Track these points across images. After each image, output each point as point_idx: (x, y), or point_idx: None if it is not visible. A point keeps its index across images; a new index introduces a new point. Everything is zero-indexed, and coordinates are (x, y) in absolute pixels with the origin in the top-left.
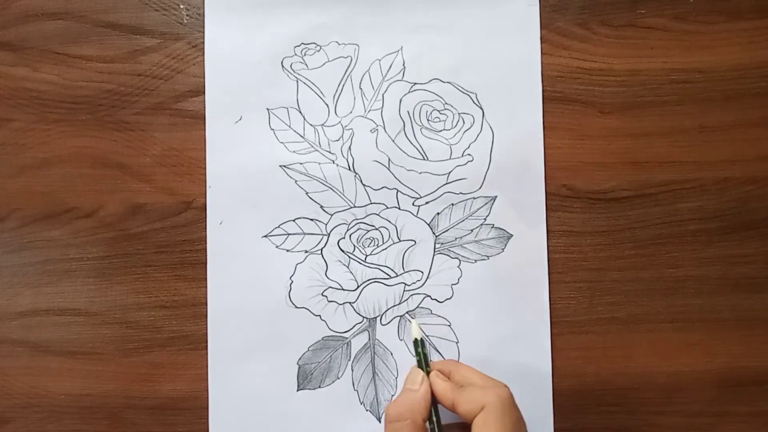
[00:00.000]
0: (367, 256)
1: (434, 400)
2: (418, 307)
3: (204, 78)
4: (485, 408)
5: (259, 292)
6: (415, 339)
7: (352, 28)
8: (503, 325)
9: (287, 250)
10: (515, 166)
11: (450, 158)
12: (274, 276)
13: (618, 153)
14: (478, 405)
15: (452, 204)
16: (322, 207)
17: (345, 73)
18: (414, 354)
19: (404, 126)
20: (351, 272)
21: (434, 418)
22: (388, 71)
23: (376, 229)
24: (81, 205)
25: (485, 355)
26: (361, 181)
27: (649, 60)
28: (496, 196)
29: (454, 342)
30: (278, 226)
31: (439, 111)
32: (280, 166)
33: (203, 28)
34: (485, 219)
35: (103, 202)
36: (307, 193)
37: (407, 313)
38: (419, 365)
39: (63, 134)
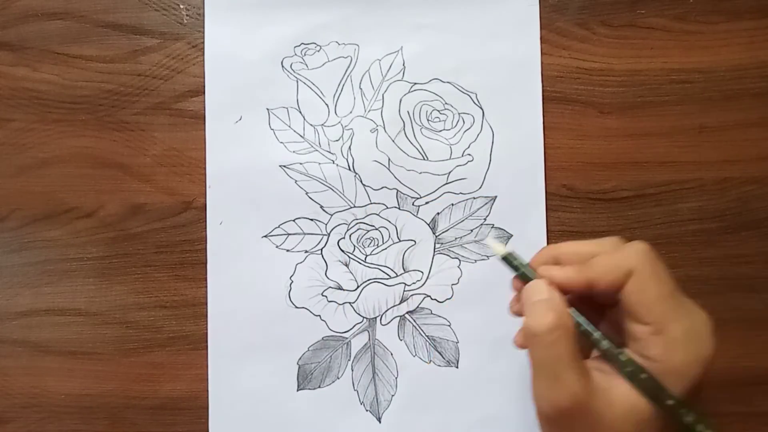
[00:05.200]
0: (367, 256)
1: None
2: (418, 307)
3: (204, 78)
4: (634, 272)
5: (259, 292)
6: (503, 256)
7: (352, 28)
8: (503, 325)
9: (287, 250)
10: (515, 166)
11: (450, 158)
12: (274, 276)
13: (618, 153)
14: (623, 271)
15: (452, 204)
16: (322, 207)
17: (345, 73)
18: (516, 271)
19: (404, 126)
20: (351, 272)
21: (581, 319)
22: (388, 71)
23: (376, 229)
24: (81, 205)
25: (485, 355)
26: (361, 181)
27: (649, 60)
28: (496, 196)
29: (454, 342)
30: (278, 226)
31: (439, 111)
32: (280, 166)
33: (203, 28)
34: (485, 219)
35: (103, 202)
36: (307, 193)
37: (483, 236)
38: (525, 279)
39: (63, 134)
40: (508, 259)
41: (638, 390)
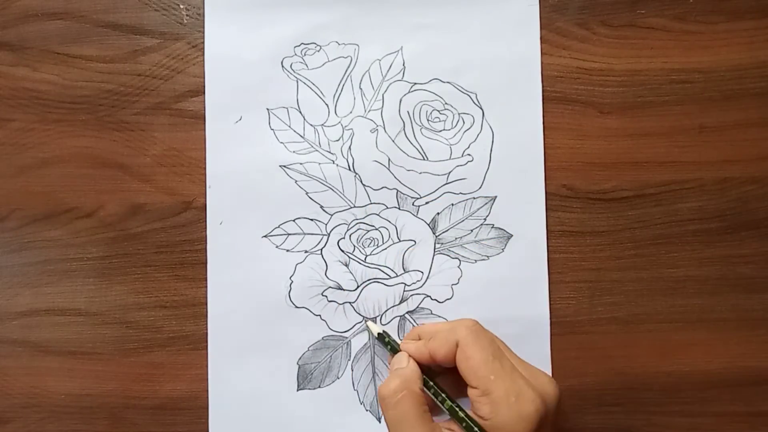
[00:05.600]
0: (367, 256)
1: (429, 372)
2: (418, 307)
3: (204, 78)
4: (459, 342)
5: (259, 292)
6: (378, 334)
7: (352, 28)
8: (503, 325)
9: (287, 250)
10: (515, 166)
11: (450, 158)
12: (274, 276)
13: (618, 153)
14: (452, 343)
15: (452, 204)
16: (322, 207)
17: (345, 73)
18: (386, 349)
19: (404, 126)
20: (351, 272)
21: (431, 383)
22: (388, 71)
23: (376, 229)
24: (81, 205)
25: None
26: (361, 181)
27: (649, 60)
28: (496, 196)
29: None
30: (278, 226)
31: (439, 111)
32: (280, 166)
33: (203, 28)
34: (485, 219)
35: (103, 202)
36: (307, 193)
37: (366, 321)
38: (394, 352)
39: (63, 134)
40: (382, 336)
41: None
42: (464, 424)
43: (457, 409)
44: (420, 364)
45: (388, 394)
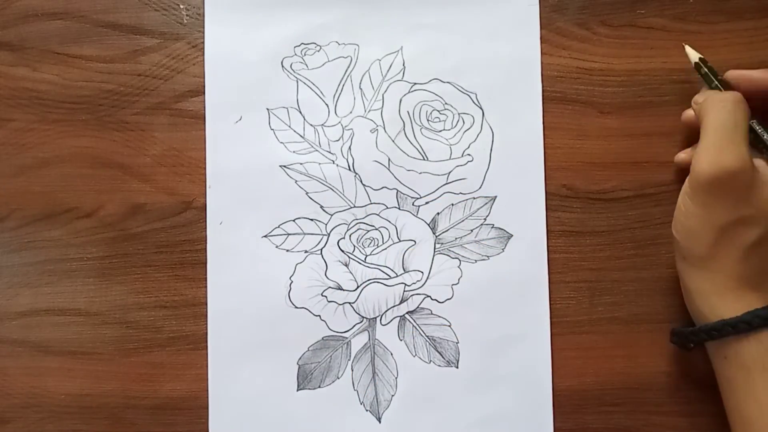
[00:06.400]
0: (367, 256)
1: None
2: (418, 307)
3: (204, 78)
4: None
5: (259, 292)
6: (695, 63)
7: (352, 28)
8: (503, 325)
9: (287, 250)
10: (515, 166)
11: (450, 158)
12: (274, 276)
13: (618, 153)
14: None
15: (452, 204)
16: (322, 207)
17: (345, 73)
18: (705, 79)
19: (404, 126)
20: (351, 272)
21: (756, 127)
22: (388, 71)
23: (376, 229)
24: (81, 205)
25: (485, 355)
26: (361, 181)
27: (649, 60)
28: (496, 196)
29: (454, 342)
30: (278, 226)
31: (439, 111)
32: (280, 166)
33: (203, 28)
34: (485, 219)
35: (103, 202)
36: (307, 193)
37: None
38: (711, 86)
39: (63, 134)
40: (699, 65)
41: None
42: None
43: None
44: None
45: (728, 98)
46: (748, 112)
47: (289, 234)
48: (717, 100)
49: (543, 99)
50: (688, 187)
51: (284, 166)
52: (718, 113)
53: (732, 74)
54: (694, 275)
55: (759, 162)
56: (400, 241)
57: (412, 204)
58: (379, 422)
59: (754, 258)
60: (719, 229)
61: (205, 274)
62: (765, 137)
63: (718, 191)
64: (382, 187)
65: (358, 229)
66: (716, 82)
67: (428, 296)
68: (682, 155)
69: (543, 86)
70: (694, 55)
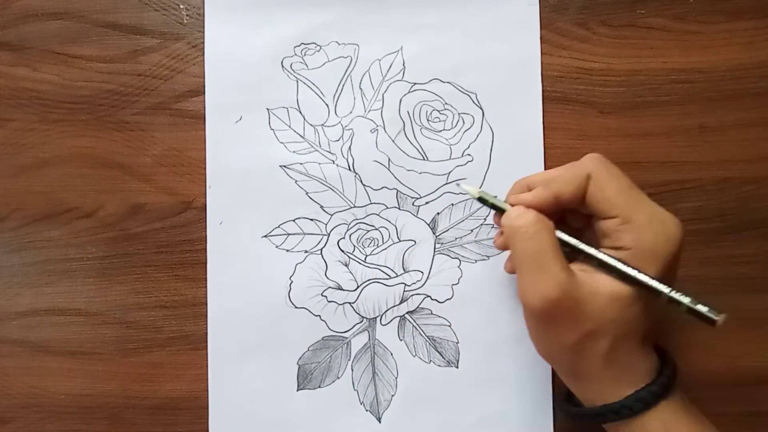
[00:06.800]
0: (367, 256)
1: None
2: (418, 307)
3: (204, 78)
4: (591, 175)
5: (259, 292)
6: (478, 197)
7: (352, 28)
8: (503, 325)
9: (287, 250)
10: (515, 166)
11: (450, 158)
12: (274, 276)
13: (618, 153)
14: (581, 178)
15: (452, 204)
16: (322, 207)
17: (345, 73)
18: (492, 208)
19: (404, 126)
20: (351, 272)
21: (563, 237)
22: (388, 71)
23: (376, 229)
24: (81, 205)
25: (485, 355)
26: (361, 181)
27: (649, 60)
28: (496, 196)
29: (454, 342)
30: (278, 226)
31: (439, 111)
32: (280, 166)
33: (203, 28)
34: (485, 219)
35: (103, 202)
36: (307, 193)
37: (458, 184)
38: (502, 212)
39: (63, 134)
40: (483, 198)
41: (618, 277)
42: (604, 259)
43: (593, 249)
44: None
45: (525, 224)
46: (550, 228)
47: (289, 234)
48: (515, 230)
49: (543, 99)
50: (525, 315)
51: (284, 166)
52: (521, 243)
53: (513, 200)
54: (565, 378)
55: (584, 269)
56: (400, 241)
57: (412, 204)
58: (379, 422)
59: (615, 361)
60: (570, 348)
61: (205, 274)
62: (577, 245)
63: (550, 318)
64: (382, 187)
65: (358, 229)
66: (509, 208)
67: (428, 296)
68: (498, 241)
69: (543, 86)
70: (474, 192)
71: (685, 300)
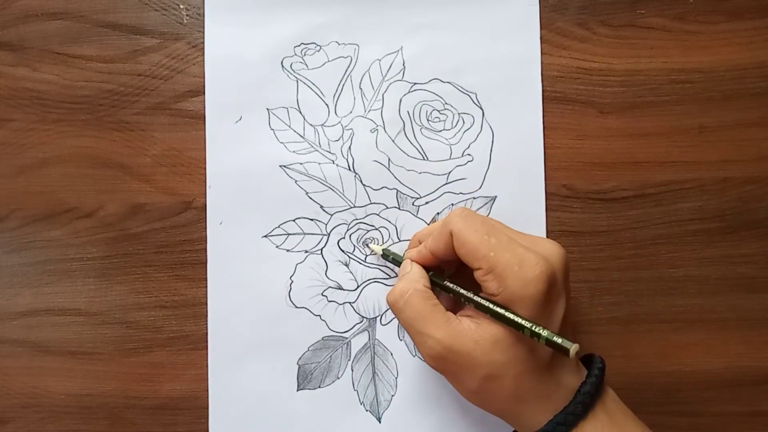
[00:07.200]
0: (367, 256)
1: (440, 274)
2: None
3: (204, 78)
4: (452, 232)
5: (259, 292)
6: (382, 254)
7: (352, 28)
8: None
9: (287, 250)
10: (515, 166)
11: (450, 158)
12: (274, 276)
13: (618, 153)
14: (447, 236)
15: (452, 204)
16: (322, 207)
17: (345, 73)
18: (393, 263)
19: (404, 126)
20: (351, 272)
21: (442, 282)
22: (388, 71)
23: (376, 229)
24: (81, 205)
25: None
26: (361, 181)
27: (649, 60)
28: (496, 196)
29: None
30: (278, 226)
31: (439, 111)
32: (280, 166)
33: (203, 28)
34: None
35: (103, 202)
36: (307, 193)
37: (365, 239)
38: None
39: (63, 134)
40: (386, 254)
41: (495, 320)
42: (478, 303)
43: (466, 292)
44: (430, 268)
45: (396, 297)
46: (419, 291)
47: (289, 234)
48: (391, 305)
49: (543, 99)
50: None
51: (284, 166)
52: (398, 315)
53: (408, 255)
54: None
55: (471, 314)
56: (400, 240)
57: (412, 204)
58: (379, 422)
59: (525, 395)
60: (476, 393)
61: (205, 274)
62: (456, 291)
63: (445, 371)
64: (382, 187)
65: (358, 229)
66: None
67: None
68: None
69: (543, 86)
70: (378, 250)
71: (544, 333)
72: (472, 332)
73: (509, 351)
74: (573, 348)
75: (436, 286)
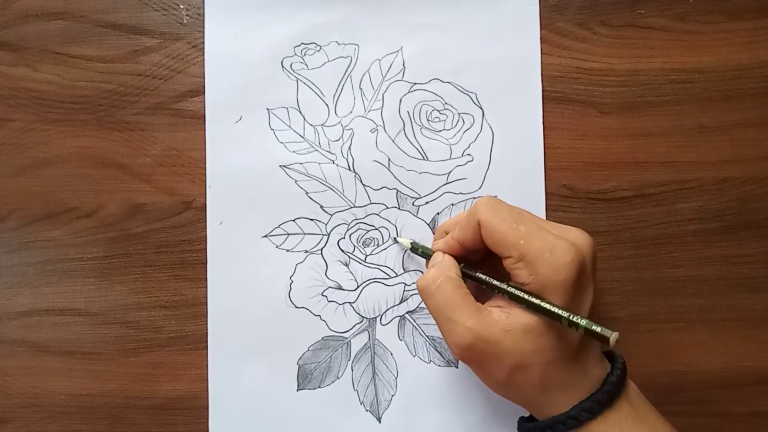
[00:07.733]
0: (367, 256)
1: (469, 265)
2: (418, 307)
3: (204, 78)
4: (480, 222)
5: (259, 292)
6: (411, 246)
7: (352, 28)
8: None
9: (287, 250)
10: (515, 166)
11: (450, 158)
12: (274, 276)
13: (618, 153)
14: (475, 226)
15: (452, 204)
16: (322, 207)
17: (345, 73)
18: (423, 257)
19: (404, 126)
20: (351, 272)
21: (472, 273)
22: (388, 71)
23: (376, 229)
24: (81, 205)
25: None
26: (361, 181)
27: (649, 60)
28: (496, 196)
29: None
30: (278, 226)
31: (439, 111)
32: (280, 166)
33: (203, 28)
34: None
35: (103, 202)
36: (307, 193)
37: (395, 238)
38: (429, 256)
39: (63, 134)
40: (414, 247)
41: (526, 308)
42: (510, 291)
43: (499, 284)
44: (458, 259)
45: (427, 283)
46: (451, 278)
47: (289, 234)
48: (421, 291)
49: (543, 99)
50: None
51: (284, 166)
52: (428, 302)
53: (436, 246)
54: (515, 402)
55: (500, 304)
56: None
57: (412, 204)
58: (379, 422)
59: (551, 384)
60: (503, 382)
61: (205, 274)
62: (486, 281)
63: (473, 361)
64: (382, 187)
65: (358, 229)
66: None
67: None
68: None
69: (543, 86)
70: (406, 243)
71: (582, 322)
72: (502, 322)
73: (539, 340)
74: (613, 336)
75: (466, 277)
